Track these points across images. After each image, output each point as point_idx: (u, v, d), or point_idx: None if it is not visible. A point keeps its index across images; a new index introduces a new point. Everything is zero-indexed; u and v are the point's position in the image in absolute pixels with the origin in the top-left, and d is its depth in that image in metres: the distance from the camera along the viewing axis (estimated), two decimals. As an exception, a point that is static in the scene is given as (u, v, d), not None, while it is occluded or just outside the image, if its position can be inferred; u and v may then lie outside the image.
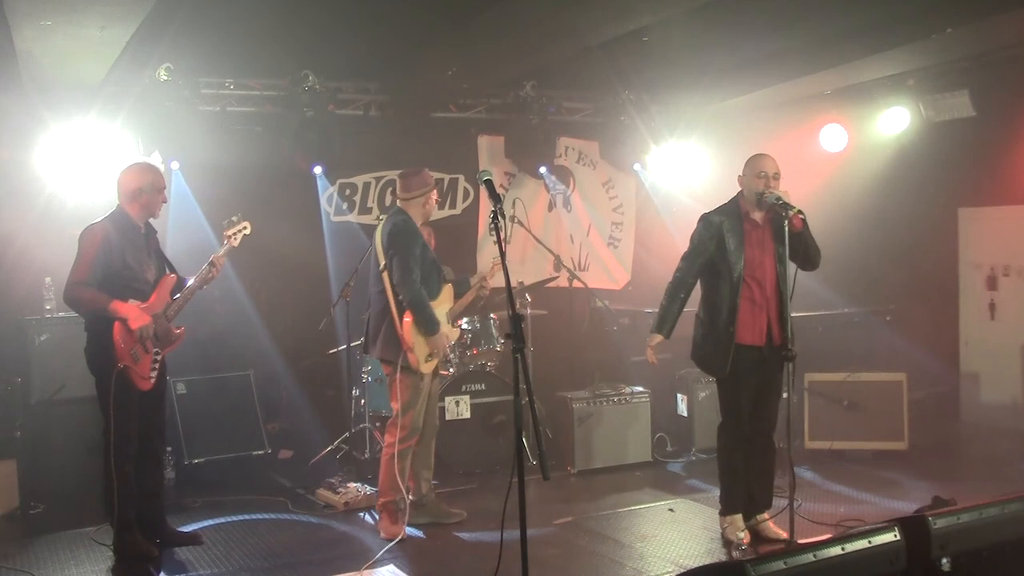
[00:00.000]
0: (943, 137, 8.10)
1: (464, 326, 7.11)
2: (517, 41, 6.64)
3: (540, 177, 8.69)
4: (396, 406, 5.59)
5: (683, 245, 5.42)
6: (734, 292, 5.13)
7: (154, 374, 5.12)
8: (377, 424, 6.87)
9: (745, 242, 5.16)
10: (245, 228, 5.47)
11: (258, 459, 7.07)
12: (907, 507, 5.61)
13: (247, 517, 6.10)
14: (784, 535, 5.15)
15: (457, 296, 5.91)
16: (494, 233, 3.92)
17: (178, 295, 5.23)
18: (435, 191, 5.78)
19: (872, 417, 7.18)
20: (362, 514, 6.00)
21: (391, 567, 5.10)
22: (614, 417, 7.16)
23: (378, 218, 6.33)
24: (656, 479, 6.90)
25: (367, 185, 8.16)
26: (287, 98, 7.20)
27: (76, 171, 6.57)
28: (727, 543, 5.27)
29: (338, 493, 6.27)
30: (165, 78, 6.57)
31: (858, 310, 8.30)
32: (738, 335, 5.12)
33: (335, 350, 7.48)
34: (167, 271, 5.33)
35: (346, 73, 7.46)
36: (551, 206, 8.90)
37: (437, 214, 8.11)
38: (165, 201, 5.31)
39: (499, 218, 3.93)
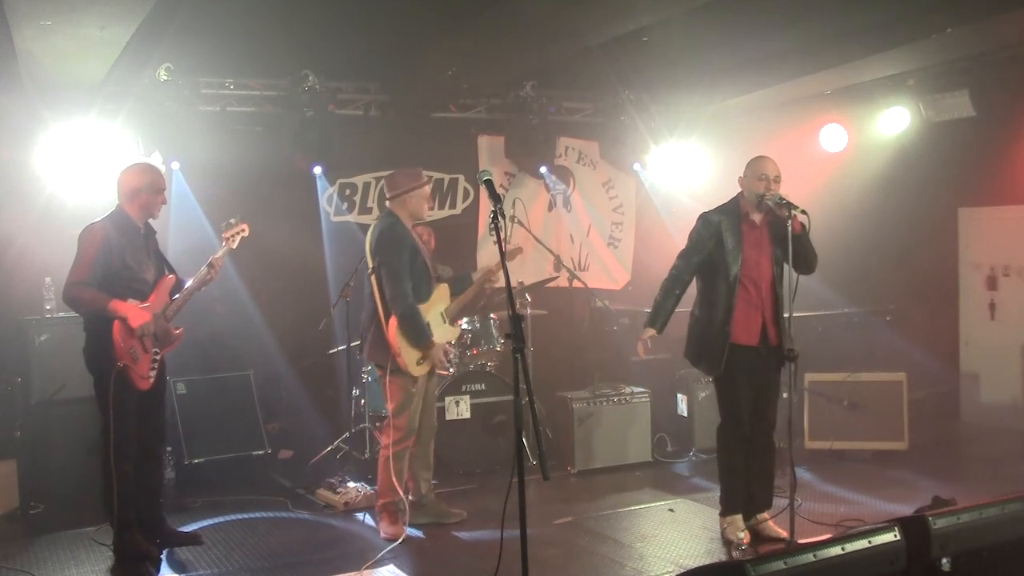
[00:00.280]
0: (943, 137, 8.10)
1: (464, 326, 7.11)
2: (517, 41, 6.64)
3: (540, 177, 8.69)
4: (390, 408, 5.59)
5: (683, 245, 5.42)
6: (730, 292, 5.15)
7: (153, 374, 5.12)
8: (377, 424, 6.86)
9: (743, 242, 5.18)
10: (243, 230, 5.46)
11: (258, 459, 7.06)
12: (907, 507, 5.60)
13: (247, 517, 6.10)
14: (784, 534, 5.16)
15: (457, 293, 5.88)
16: (494, 233, 3.92)
17: (177, 296, 5.23)
18: (425, 188, 5.66)
19: (872, 417, 7.18)
20: (362, 514, 6.00)
21: (391, 567, 5.10)
22: (614, 417, 7.16)
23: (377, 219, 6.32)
24: (656, 479, 6.90)
25: (367, 185, 8.16)
26: (287, 98, 7.19)
27: (76, 171, 6.57)
28: (727, 543, 5.27)
29: (338, 493, 6.27)
30: (165, 78, 6.57)
31: (858, 310, 8.30)
32: (733, 335, 5.15)
33: (335, 350, 7.48)
34: (166, 272, 5.33)
35: (346, 73, 7.46)
36: (551, 206, 8.90)
37: (437, 214, 8.15)
38: (164, 202, 5.29)
39: (499, 218, 3.93)
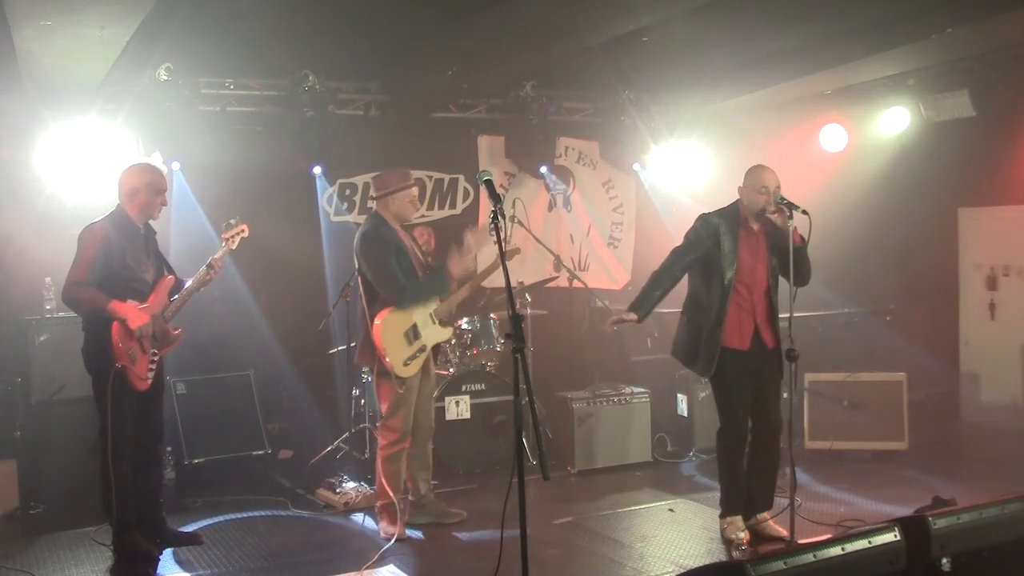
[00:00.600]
0: (943, 137, 8.09)
1: (464, 326, 7.11)
2: (517, 41, 6.64)
3: (540, 177, 8.69)
4: (383, 410, 5.58)
5: (682, 245, 5.43)
6: (724, 295, 5.16)
7: (151, 375, 5.11)
8: (376, 424, 6.85)
9: (740, 247, 5.20)
10: (243, 231, 5.46)
11: (258, 459, 7.06)
12: (907, 507, 5.60)
13: (247, 517, 6.10)
14: (784, 533, 5.16)
15: (436, 286, 5.70)
16: (494, 233, 3.92)
17: (176, 296, 5.23)
18: (412, 190, 5.60)
19: (872, 417, 7.18)
20: (362, 514, 5.99)
21: (391, 567, 5.10)
22: (614, 417, 7.16)
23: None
24: (656, 479, 6.90)
25: (367, 185, 8.13)
26: (287, 98, 7.19)
27: (76, 171, 6.56)
28: (727, 543, 5.27)
29: (338, 493, 6.27)
30: (165, 78, 6.57)
31: (858, 310, 8.30)
32: (724, 338, 5.17)
33: (335, 350, 7.48)
34: (165, 272, 5.33)
35: (346, 73, 7.46)
36: (551, 206, 8.90)
37: (437, 214, 8.15)
38: (165, 203, 5.27)
39: (499, 218, 3.93)
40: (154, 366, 5.14)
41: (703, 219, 5.33)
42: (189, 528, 5.78)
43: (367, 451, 6.97)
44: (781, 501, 5.38)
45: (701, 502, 6.19)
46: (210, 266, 5.26)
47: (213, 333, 7.23)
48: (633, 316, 5.31)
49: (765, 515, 5.38)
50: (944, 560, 2.98)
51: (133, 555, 5.08)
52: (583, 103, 8.48)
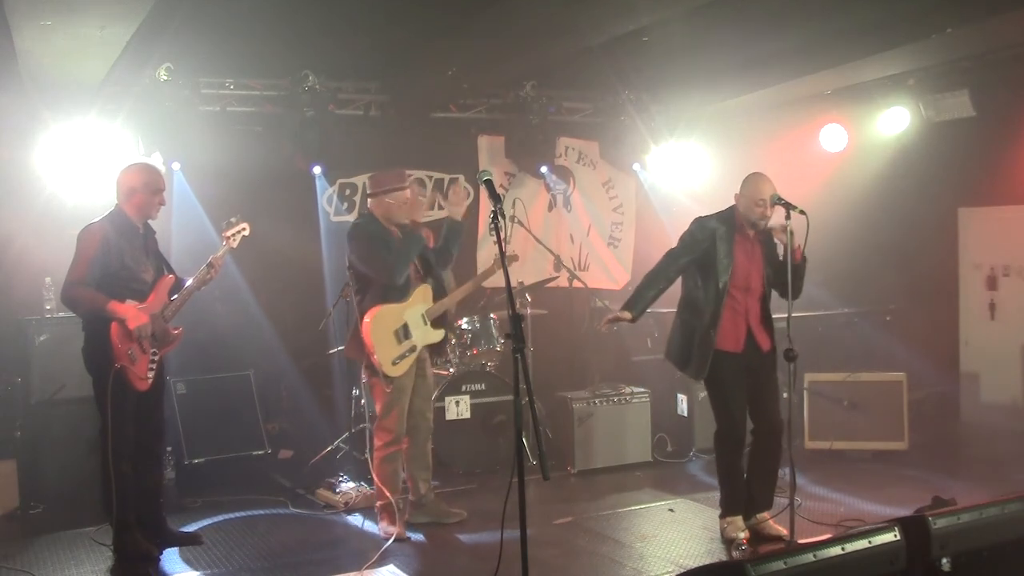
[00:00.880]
0: (943, 137, 8.09)
1: (464, 326, 7.11)
2: (517, 41, 6.63)
3: (540, 177, 8.69)
4: (377, 410, 5.59)
5: (682, 245, 5.43)
6: (718, 299, 5.17)
7: (151, 374, 5.11)
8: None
9: (736, 252, 5.21)
10: (244, 229, 5.46)
11: (258, 459, 7.06)
12: (907, 507, 5.59)
13: (247, 517, 6.11)
14: (784, 532, 5.17)
15: (438, 261, 5.76)
16: (494, 233, 3.92)
17: (176, 296, 5.23)
18: (405, 192, 5.58)
19: (872, 417, 7.18)
20: (361, 514, 5.99)
21: (391, 567, 5.10)
22: (614, 417, 7.16)
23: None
24: (656, 479, 6.90)
25: (367, 185, 8.16)
26: (287, 98, 7.19)
27: (76, 171, 6.56)
28: (727, 543, 5.27)
29: (338, 493, 6.27)
30: (165, 78, 6.56)
31: (858, 310, 8.30)
32: (718, 341, 5.18)
33: (335, 350, 7.47)
34: (165, 272, 5.33)
35: (346, 73, 7.46)
36: (551, 206, 8.91)
37: (437, 214, 8.13)
38: (163, 203, 5.27)
39: (499, 218, 3.93)
40: (154, 366, 5.14)
41: (699, 222, 5.34)
42: (189, 528, 5.78)
43: (367, 451, 6.96)
44: (781, 501, 5.38)
45: (701, 502, 6.19)
46: (211, 265, 5.26)
47: (213, 333, 7.23)
48: (627, 315, 5.30)
49: (765, 515, 5.39)
50: (944, 560, 2.98)
51: (133, 555, 5.08)
52: (583, 103, 8.48)
